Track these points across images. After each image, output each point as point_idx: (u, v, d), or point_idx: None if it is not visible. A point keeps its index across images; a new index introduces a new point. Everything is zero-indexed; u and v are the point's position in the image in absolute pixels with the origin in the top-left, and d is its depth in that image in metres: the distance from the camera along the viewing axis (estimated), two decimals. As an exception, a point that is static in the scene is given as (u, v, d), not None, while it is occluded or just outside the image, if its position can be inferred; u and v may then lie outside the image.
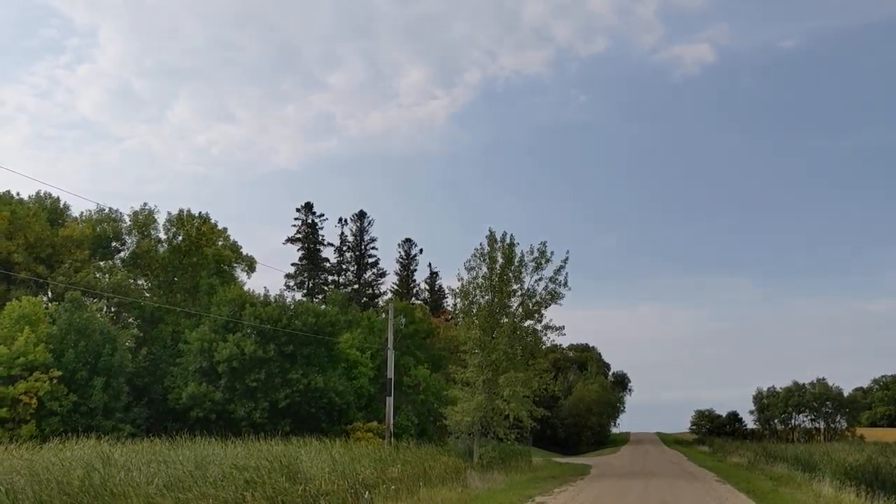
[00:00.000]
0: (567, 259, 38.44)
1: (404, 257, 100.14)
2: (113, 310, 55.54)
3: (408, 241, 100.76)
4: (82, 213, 58.41)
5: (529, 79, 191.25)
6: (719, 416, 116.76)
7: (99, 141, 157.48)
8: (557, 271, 38.13)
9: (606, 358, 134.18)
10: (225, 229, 63.05)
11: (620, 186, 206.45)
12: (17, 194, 53.86)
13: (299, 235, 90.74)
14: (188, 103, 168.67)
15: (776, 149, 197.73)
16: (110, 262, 57.66)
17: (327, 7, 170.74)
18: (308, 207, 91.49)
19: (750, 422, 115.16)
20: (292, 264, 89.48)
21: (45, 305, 46.93)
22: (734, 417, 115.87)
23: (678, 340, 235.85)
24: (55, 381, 40.37)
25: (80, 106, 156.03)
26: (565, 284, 38.29)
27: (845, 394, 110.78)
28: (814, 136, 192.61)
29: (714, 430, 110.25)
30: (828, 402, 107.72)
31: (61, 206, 58.12)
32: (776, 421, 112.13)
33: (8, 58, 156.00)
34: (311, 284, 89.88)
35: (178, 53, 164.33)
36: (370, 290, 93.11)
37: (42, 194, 56.91)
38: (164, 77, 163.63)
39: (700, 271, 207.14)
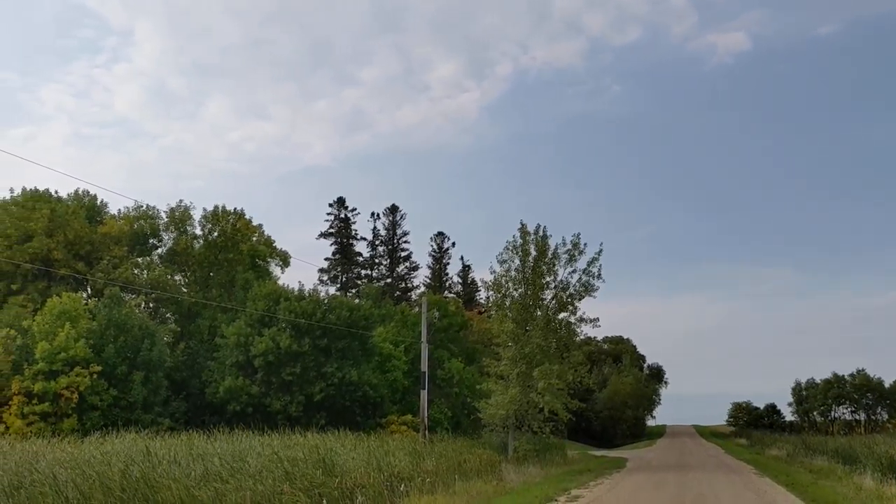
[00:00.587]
0: (601, 251, 38.26)
1: (437, 251, 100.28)
2: (151, 305, 56.37)
3: (440, 234, 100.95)
4: (120, 210, 59.31)
5: (561, 70, 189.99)
6: (757, 409, 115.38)
7: (136, 139, 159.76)
8: (591, 263, 37.96)
9: (641, 350, 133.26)
10: (259, 225, 63.65)
11: (655, 176, 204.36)
12: (56, 192, 54.74)
13: (332, 230, 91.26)
14: (222, 100, 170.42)
15: (814, 138, 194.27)
16: (148, 259, 58.49)
17: (359, 2, 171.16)
18: (340, 202, 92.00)
19: (788, 414, 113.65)
20: (325, 259, 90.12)
21: (84, 302, 47.68)
22: (772, 410, 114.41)
23: (715, 331, 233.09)
24: (95, 376, 41.06)
25: (117, 104, 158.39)
26: (599, 276, 38.11)
27: (886, 385, 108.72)
28: (855, 124, 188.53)
29: (752, 422, 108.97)
30: (868, 394, 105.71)
31: (99, 203, 58.96)
32: (815, 413, 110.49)
33: (46, 58, 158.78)
34: (344, 279, 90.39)
35: (213, 51, 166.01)
36: (403, 284, 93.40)
37: (80, 192, 57.77)
38: (198, 75, 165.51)
39: (737, 261, 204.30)
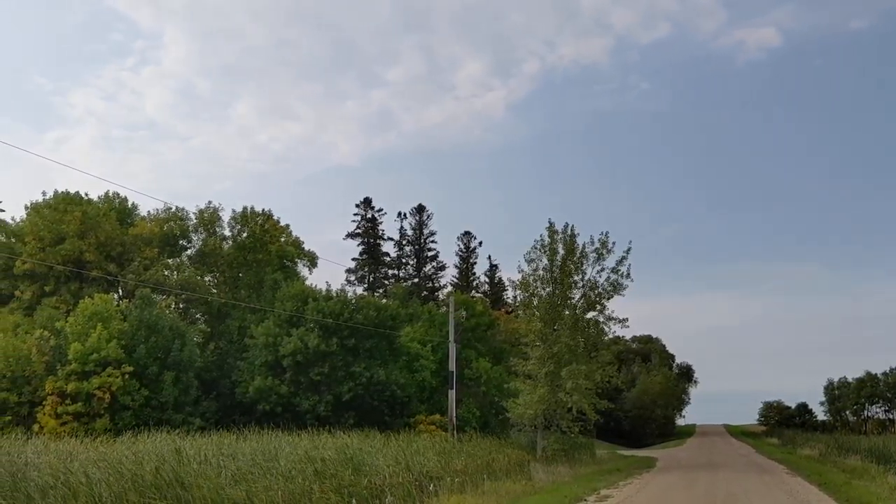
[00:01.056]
0: (630, 249, 38.00)
1: (463, 250, 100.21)
2: (181, 306, 56.90)
3: (467, 234, 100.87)
4: (150, 212, 59.91)
5: (589, 68, 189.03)
6: (788, 408, 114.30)
7: (165, 141, 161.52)
8: (620, 262, 37.71)
9: (670, 349, 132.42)
10: (287, 225, 63.97)
11: (683, 174, 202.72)
12: (87, 195, 55.37)
13: (359, 230, 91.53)
14: (249, 101, 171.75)
15: (845, 133, 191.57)
16: (178, 260, 59.08)
17: (383, 2, 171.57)
18: (367, 203, 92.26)
19: (820, 413, 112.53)
20: (353, 259, 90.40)
21: (116, 303, 48.24)
22: (804, 409, 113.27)
23: (745, 329, 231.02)
24: (127, 376, 41.50)
25: (145, 107, 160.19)
26: (628, 276, 37.85)
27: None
28: (889, 118, 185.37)
29: (783, 421, 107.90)
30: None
31: (129, 205, 59.64)
32: (848, 412, 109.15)
33: (77, 62, 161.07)
34: (371, 279, 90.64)
35: (240, 53, 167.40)
36: (430, 284, 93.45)
37: (111, 194, 58.43)
38: (225, 76, 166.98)
39: (767, 258, 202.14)
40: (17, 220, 54.07)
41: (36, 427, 38.96)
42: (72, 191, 54.26)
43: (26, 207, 53.65)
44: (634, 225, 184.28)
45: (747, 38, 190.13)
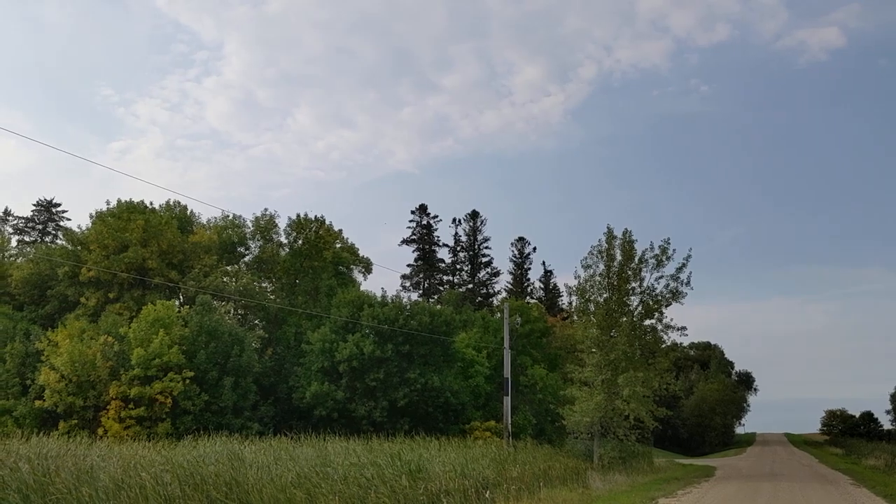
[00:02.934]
0: (690, 257, 37.34)
1: (518, 256, 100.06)
2: (240, 312, 57.87)
3: (521, 239, 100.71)
4: (209, 219, 61.18)
5: (647, 71, 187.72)
6: (852, 417, 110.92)
7: (226, 149, 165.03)
8: (679, 269, 37.09)
9: (729, 356, 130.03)
10: (340, 231, 64.42)
11: (742, 178, 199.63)
12: (151, 203, 56.85)
13: (414, 237, 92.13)
14: (309, 110, 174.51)
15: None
16: (236, 267, 60.13)
17: (440, 10, 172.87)
18: (422, 209, 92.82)
19: (887, 422, 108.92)
20: (408, 265, 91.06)
21: (177, 309, 49.24)
22: (869, 417, 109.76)
23: (807, 336, 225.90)
24: (188, 381, 42.36)
25: (208, 117, 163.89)
26: (687, 283, 37.22)
27: None
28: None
29: (847, 430, 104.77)
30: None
31: (189, 213, 60.95)
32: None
33: (142, 73, 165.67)
34: (426, 285, 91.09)
35: (299, 62, 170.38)
36: (484, 290, 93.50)
37: (172, 203, 59.88)
38: (285, 86, 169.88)
39: (830, 263, 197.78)
40: (83, 228, 55.79)
41: (100, 431, 39.99)
42: (135, 199, 55.81)
43: (91, 216, 55.34)
44: (693, 230, 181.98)
45: (809, 39, 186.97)
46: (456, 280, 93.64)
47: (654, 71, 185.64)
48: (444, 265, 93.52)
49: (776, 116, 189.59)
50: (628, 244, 37.56)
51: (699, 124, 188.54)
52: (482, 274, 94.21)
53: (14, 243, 71.94)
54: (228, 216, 60.14)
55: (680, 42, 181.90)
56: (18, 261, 62.33)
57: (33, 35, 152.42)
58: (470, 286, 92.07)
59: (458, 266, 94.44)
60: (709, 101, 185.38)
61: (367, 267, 66.20)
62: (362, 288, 60.91)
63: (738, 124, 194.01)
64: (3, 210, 78.81)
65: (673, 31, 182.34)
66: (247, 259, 61.02)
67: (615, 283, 37.46)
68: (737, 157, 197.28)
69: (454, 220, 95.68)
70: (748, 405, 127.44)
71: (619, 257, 37.61)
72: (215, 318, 46.55)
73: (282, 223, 60.54)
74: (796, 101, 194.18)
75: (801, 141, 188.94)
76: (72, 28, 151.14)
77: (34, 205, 79.24)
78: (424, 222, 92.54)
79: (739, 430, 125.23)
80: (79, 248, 54.02)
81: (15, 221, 78.63)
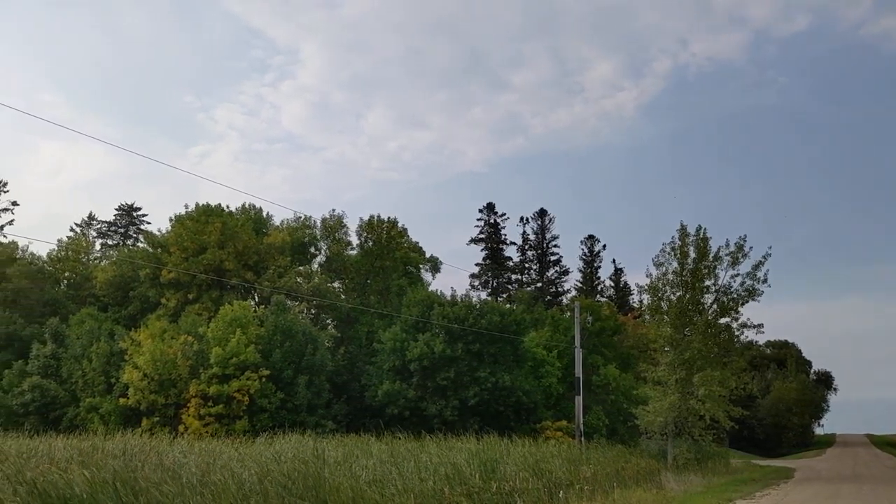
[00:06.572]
0: (769, 254, 36.44)
1: (587, 254, 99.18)
2: (313, 312, 58.93)
3: (590, 237, 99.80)
4: (283, 221, 62.47)
5: (723, 64, 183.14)
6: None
7: (301, 152, 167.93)
8: (756, 267, 36.24)
9: (807, 354, 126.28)
10: (406, 230, 64.84)
11: (821, 172, 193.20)
12: (227, 207, 58.38)
13: (482, 235, 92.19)
14: (381, 112, 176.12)
15: None
16: (308, 267, 61.24)
17: (512, 7, 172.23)
18: (490, 208, 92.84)
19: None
20: (476, 264, 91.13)
21: (253, 309, 50.43)
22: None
23: (889, 334, 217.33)
24: (264, 379, 43.34)
25: (283, 120, 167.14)
26: (765, 281, 36.33)
27: None
28: None
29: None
30: None
31: (264, 215, 62.35)
32: None
33: (220, 79, 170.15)
34: (494, 284, 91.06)
35: (372, 65, 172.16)
36: (553, 289, 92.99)
37: (247, 205, 61.36)
38: (358, 88, 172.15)
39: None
40: (163, 231, 57.64)
41: (181, 428, 41.25)
42: (212, 203, 57.38)
43: (170, 220, 57.11)
44: (770, 224, 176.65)
45: (894, 27, 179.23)
46: (524, 279, 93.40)
47: (731, 63, 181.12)
48: (512, 264, 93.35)
49: (857, 108, 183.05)
50: (702, 241, 36.90)
51: (775, 117, 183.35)
52: (551, 272, 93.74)
53: (98, 247, 74.81)
54: (300, 217, 61.42)
55: (758, 33, 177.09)
56: (102, 264, 64.69)
57: (115, 45, 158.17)
58: (538, 285, 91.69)
59: (526, 265, 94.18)
60: (786, 93, 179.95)
61: (435, 266, 66.65)
62: (431, 287, 61.40)
63: (815, 117, 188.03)
64: (87, 215, 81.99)
65: (751, 21, 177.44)
66: (319, 259, 62.16)
67: (689, 280, 36.87)
68: (814, 150, 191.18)
69: (522, 218, 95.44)
70: (827, 405, 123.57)
71: (692, 255, 37.00)
72: (289, 318, 47.46)
73: (351, 224, 61.57)
74: (880, 91, 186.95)
75: (884, 134, 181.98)
76: (152, 37, 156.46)
77: (116, 209, 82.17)
78: (492, 221, 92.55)
79: (818, 430, 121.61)
80: (159, 250, 55.80)
81: (99, 226, 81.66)
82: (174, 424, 42.27)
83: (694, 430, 36.36)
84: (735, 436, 73.25)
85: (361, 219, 61.84)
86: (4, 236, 67.01)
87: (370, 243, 61.25)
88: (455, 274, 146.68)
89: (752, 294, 36.39)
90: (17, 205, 79.06)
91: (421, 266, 66.08)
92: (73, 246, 66.87)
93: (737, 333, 37.65)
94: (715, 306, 37.10)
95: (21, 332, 53.00)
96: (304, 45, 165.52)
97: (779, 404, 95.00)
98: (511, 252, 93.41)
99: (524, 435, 39.97)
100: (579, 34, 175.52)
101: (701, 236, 37.01)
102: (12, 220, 78.56)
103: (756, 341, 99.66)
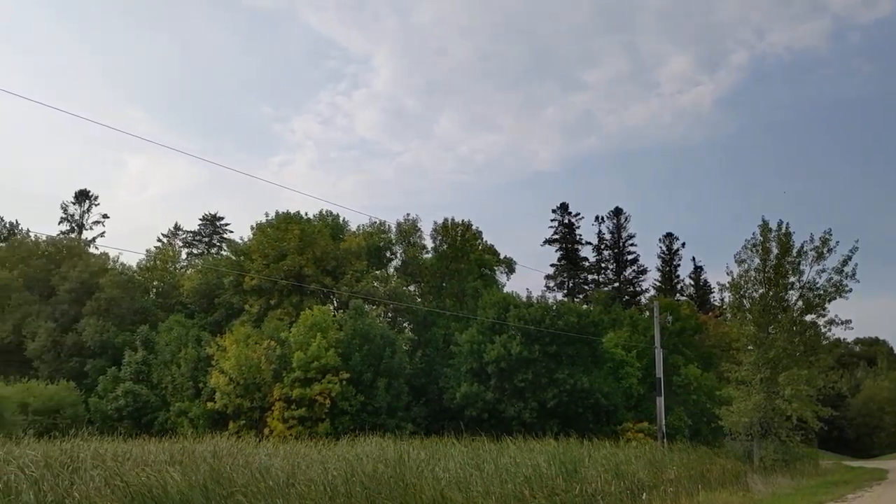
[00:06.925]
0: (856, 248, 35.22)
1: (665, 252, 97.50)
2: (390, 315, 59.63)
3: (669, 235, 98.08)
4: (359, 226, 63.43)
5: (803, 54, 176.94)
6: None
7: (375, 158, 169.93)
8: (844, 262, 35.06)
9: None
10: (480, 232, 64.95)
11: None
12: (306, 214, 59.74)
13: (556, 236, 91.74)
14: (453, 116, 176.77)
15: None
16: (385, 271, 62.02)
17: (583, 5, 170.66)
18: (564, 208, 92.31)
19: None
20: (551, 265, 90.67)
21: (332, 313, 51.33)
22: None
23: None
24: (345, 382, 44.09)
25: (357, 128, 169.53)
26: (853, 276, 35.10)
27: None
28: None
29: None
30: None
31: (341, 221, 63.42)
32: None
33: (297, 90, 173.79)
34: (570, 284, 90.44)
35: (444, 69, 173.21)
36: (631, 288, 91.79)
37: (324, 212, 62.55)
38: (431, 93, 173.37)
39: None
40: (245, 239, 59.29)
41: (266, 430, 42.28)
42: (292, 211, 58.83)
43: (252, 228, 58.72)
44: (858, 217, 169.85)
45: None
46: (601, 279, 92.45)
47: (812, 53, 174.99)
48: (587, 264, 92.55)
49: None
50: (785, 237, 35.91)
51: (862, 107, 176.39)
52: (628, 272, 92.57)
53: (184, 256, 77.37)
54: (375, 222, 62.27)
55: (840, 20, 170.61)
56: (188, 272, 66.81)
57: (196, 62, 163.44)
58: (615, 285, 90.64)
59: (602, 265, 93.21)
60: (872, 81, 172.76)
61: (509, 267, 66.61)
62: (505, 289, 61.41)
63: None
64: (173, 225, 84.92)
65: (832, 8, 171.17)
66: (394, 263, 62.89)
67: (772, 277, 35.95)
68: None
69: (597, 217, 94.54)
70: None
71: (775, 251, 36.06)
72: (368, 322, 48.13)
73: (425, 227, 62.09)
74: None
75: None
76: (231, 53, 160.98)
77: (200, 219, 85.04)
78: (566, 221, 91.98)
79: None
80: (241, 258, 57.36)
81: (184, 235, 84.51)
82: (259, 427, 43.35)
83: (781, 431, 35.45)
84: (824, 436, 70.90)
85: (436, 222, 62.44)
86: (97, 248, 70.13)
87: (445, 246, 61.64)
88: (530, 275, 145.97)
89: (839, 290, 35.24)
90: (108, 217, 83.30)
91: (496, 268, 66.14)
92: (160, 256, 69.25)
93: (823, 331, 36.54)
94: (800, 303, 36.09)
95: (114, 339, 55.11)
96: (377, 53, 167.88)
97: (870, 403, 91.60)
98: (586, 252, 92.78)
99: (604, 437, 39.65)
100: (653, 28, 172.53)
101: (783, 231, 36.06)
102: (104, 233, 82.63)
103: (844, 338, 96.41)
